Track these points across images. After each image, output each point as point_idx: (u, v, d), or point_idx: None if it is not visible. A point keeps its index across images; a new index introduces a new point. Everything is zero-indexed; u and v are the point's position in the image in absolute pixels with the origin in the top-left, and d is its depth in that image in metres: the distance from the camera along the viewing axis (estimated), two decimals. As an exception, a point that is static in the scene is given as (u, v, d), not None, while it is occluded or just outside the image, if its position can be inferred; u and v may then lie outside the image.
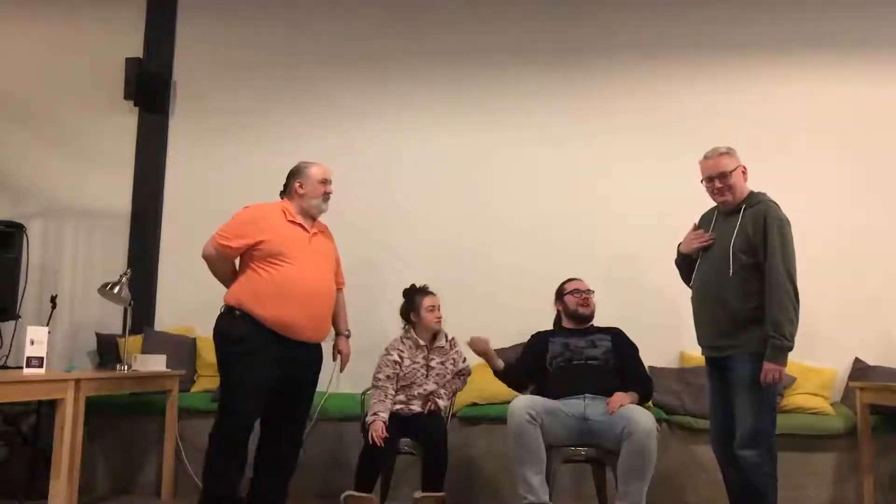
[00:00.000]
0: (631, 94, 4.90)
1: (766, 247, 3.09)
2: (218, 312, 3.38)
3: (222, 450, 3.25)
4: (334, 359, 3.67)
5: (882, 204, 4.65)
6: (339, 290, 3.63)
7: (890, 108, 4.72)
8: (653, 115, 4.85)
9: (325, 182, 3.50)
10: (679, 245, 3.45)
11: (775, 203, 3.20)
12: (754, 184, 3.32)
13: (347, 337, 3.71)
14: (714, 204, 3.38)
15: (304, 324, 3.31)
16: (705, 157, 3.30)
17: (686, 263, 3.43)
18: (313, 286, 3.34)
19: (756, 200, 3.22)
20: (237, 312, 3.27)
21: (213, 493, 3.24)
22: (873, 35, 4.78)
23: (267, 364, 3.25)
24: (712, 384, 3.31)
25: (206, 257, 3.40)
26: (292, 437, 3.44)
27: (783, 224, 3.12)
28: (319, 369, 3.52)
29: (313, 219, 3.51)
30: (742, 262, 3.13)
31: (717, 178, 3.24)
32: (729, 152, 3.27)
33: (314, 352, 3.46)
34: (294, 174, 3.52)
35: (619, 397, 3.44)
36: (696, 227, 3.43)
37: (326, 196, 3.51)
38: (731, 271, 3.14)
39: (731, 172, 3.22)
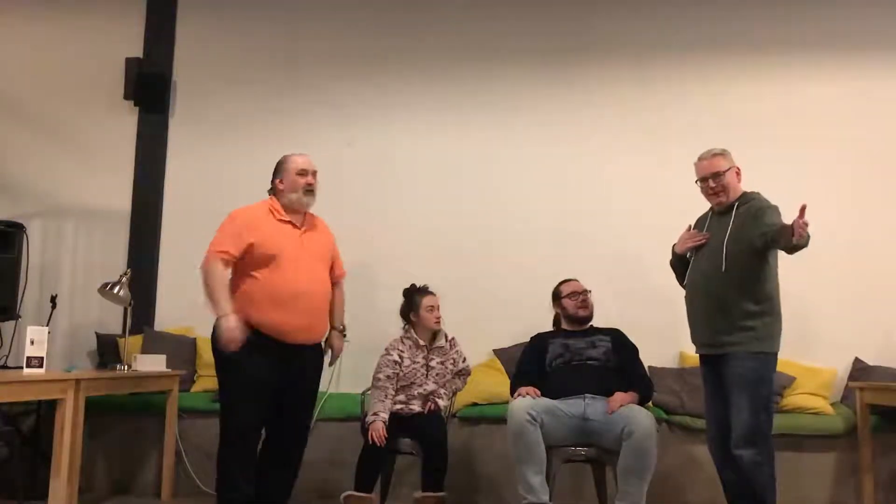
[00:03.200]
0: (630, 94, 4.89)
1: (762, 220, 3.09)
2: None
3: (232, 458, 3.20)
4: (325, 353, 3.55)
5: (882, 204, 4.64)
6: (336, 283, 3.56)
7: (891, 109, 4.72)
8: (652, 115, 4.85)
9: (304, 173, 3.36)
10: (674, 246, 3.47)
11: (768, 200, 3.22)
12: (753, 185, 3.34)
13: (341, 332, 3.59)
14: (709, 207, 3.40)
15: (299, 326, 3.26)
16: (699, 159, 3.34)
17: (681, 264, 3.45)
18: (306, 287, 3.28)
19: (749, 199, 3.26)
20: None
21: (227, 502, 3.22)
22: (875, 35, 4.78)
23: (265, 369, 3.21)
24: (708, 384, 3.31)
25: (206, 271, 3.22)
26: (296, 437, 3.41)
27: (777, 209, 3.16)
28: (321, 370, 3.49)
29: (302, 214, 3.42)
30: (735, 257, 3.13)
31: (711, 179, 3.28)
32: (723, 153, 3.30)
33: (314, 353, 3.43)
34: (275, 170, 3.44)
35: (619, 397, 3.44)
36: (691, 229, 3.45)
37: (308, 188, 3.36)
38: (723, 267, 3.14)
39: (724, 173, 3.26)
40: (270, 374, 3.23)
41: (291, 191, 3.36)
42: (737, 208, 3.24)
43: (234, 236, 3.26)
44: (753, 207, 3.19)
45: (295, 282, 3.25)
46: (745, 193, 3.29)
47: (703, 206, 3.46)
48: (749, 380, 3.07)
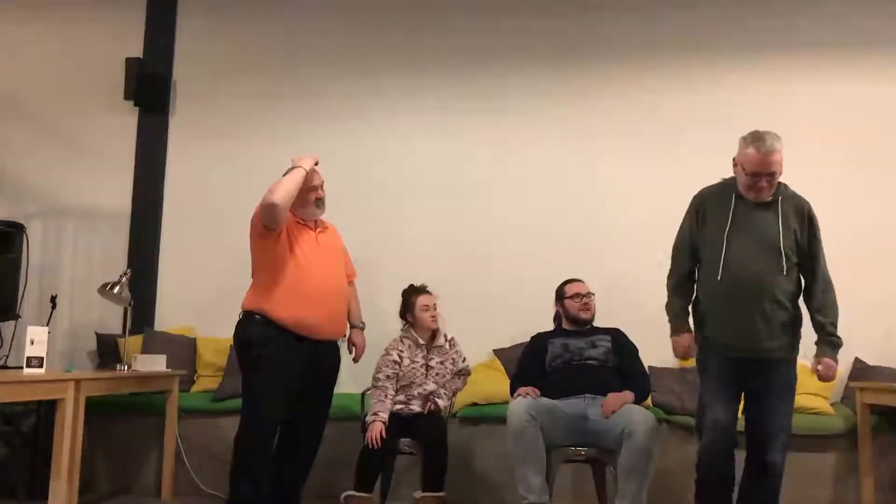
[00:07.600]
0: (629, 95, 4.89)
1: (812, 245, 3.06)
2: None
3: (252, 454, 3.25)
4: (350, 351, 3.70)
5: (883, 204, 4.64)
6: (350, 282, 3.67)
7: (891, 108, 4.71)
8: (652, 115, 4.84)
9: (314, 188, 3.44)
10: (674, 352, 3.30)
11: (799, 195, 3.15)
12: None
13: (362, 329, 3.74)
14: (713, 181, 3.21)
15: (323, 322, 3.35)
16: (756, 149, 2.95)
17: (681, 299, 3.29)
18: (327, 284, 3.38)
19: (783, 190, 3.11)
20: (257, 317, 3.29)
21: (241, 495, 3.23)
22: (875, 34, 4.77)
23: (289, 366, 3.28)
24: (726, 387, 3.10)
25: (264, 202, 3.22)
26: (311, 435, 3.48)
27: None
28: (339, 368, 3.57)
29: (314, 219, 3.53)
30: (792, 261, 3.05)
31: (766, 177, 2.99)
32: (780, 149, 2.99)
33: (333, 350, 3.51)
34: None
35: (613, 400, 3.43)
36: (691, 219, 3.24)
37: (318, 202, 3.47)
38: (784, 270, 3.00)
39: (780, 173, 3.01)
40: (296, 371, 3.30)
41: (305, 206, 3.43)
42: (781, 201, 3.06)
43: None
44: (798, 206, 3.09)
45: (317, 278, 3.34)
46: (778, 184, 3.10)
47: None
48: (793, 387, 3.04)
